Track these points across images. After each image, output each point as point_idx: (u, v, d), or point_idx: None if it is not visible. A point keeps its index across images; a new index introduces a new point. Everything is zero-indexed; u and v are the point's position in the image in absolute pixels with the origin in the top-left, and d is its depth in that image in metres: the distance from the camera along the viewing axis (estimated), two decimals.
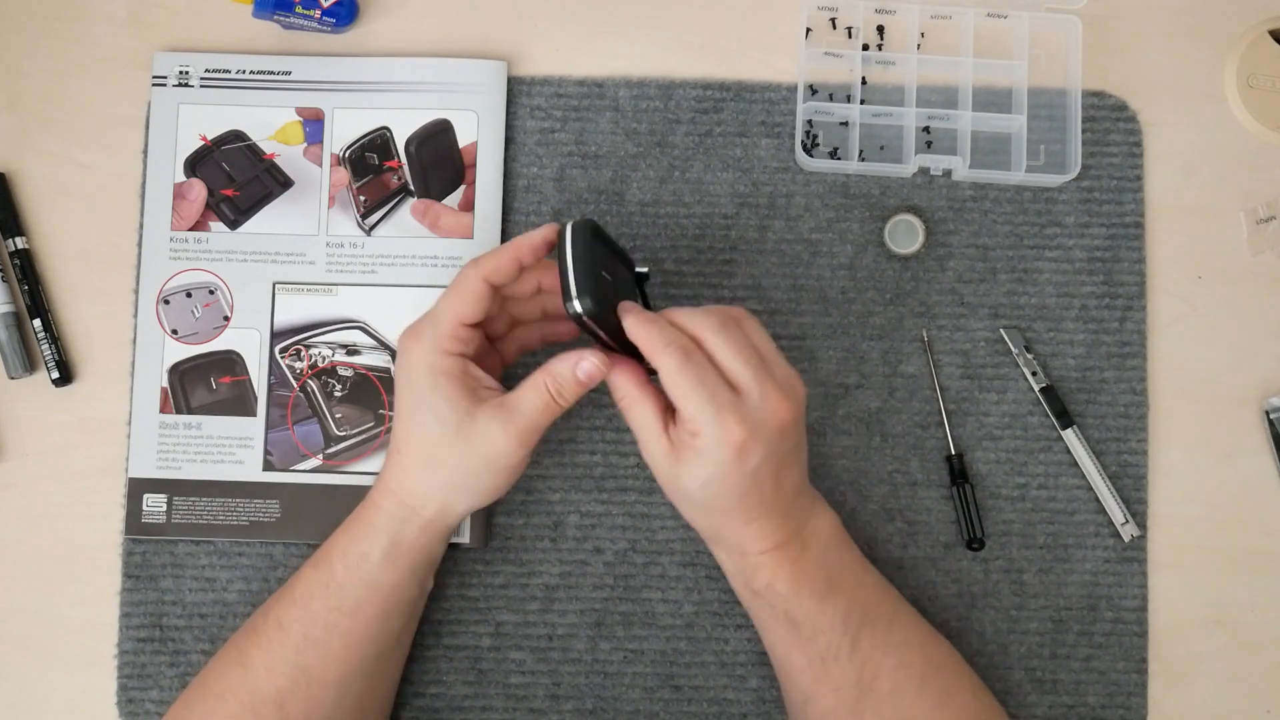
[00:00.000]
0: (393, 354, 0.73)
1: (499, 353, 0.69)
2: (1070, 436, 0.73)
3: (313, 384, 0.73)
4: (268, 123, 0.75)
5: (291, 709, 0.63)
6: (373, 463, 0.73)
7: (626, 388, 0.62)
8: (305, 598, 0.64)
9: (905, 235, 0.74)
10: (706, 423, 0.59)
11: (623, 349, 0.63)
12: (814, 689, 0.64)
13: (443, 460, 0.63)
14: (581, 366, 0.62)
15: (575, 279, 0.59)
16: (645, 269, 0.67)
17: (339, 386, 0.73)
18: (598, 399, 0.73)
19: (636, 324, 0.60)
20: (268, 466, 0.73)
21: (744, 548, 0.64)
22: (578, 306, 0.59)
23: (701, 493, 0.61)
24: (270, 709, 0.63)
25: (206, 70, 0.75)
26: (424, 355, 0.63)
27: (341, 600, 0.64)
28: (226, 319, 0.74)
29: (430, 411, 0.62)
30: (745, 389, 0.60)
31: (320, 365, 0.73)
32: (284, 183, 0.75)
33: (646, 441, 0.62)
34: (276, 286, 0.74)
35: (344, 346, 0.74)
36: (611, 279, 0.62)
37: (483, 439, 0.62)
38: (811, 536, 0.65)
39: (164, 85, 0.75)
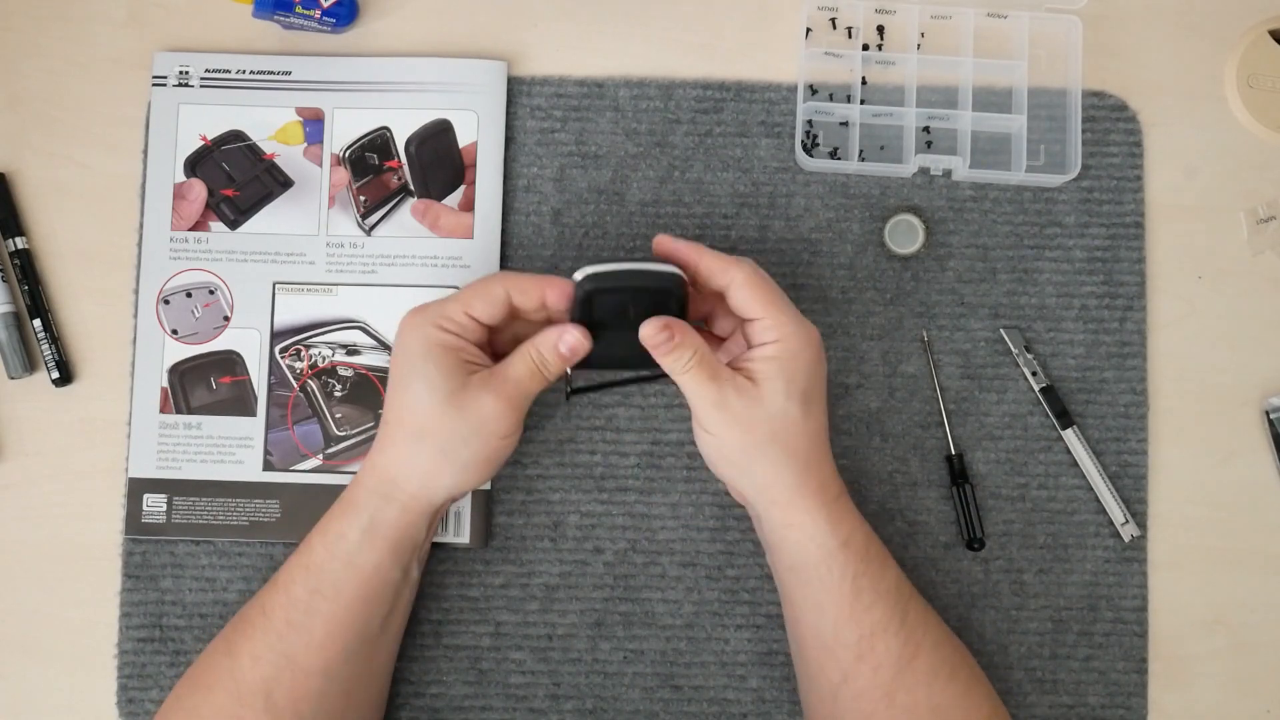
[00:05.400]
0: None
1: (493, 345, 0.69)
2: (1070, 436, 0.73)
3: (313, 384, 0.73)
4: (268, 123, 0.75)
5: (278, 697, 0.63)
6: None
7: (690, 341, 0.63)
8: (287, 583, 0.64)
9: (905, 235, 0.74)
10: (788, 320, 0.63)
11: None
12: (855, 667, 0.63)
13: (432, 428, 0.63)
14: (564, 340, 0.64)
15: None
16: (675, 272, 0.65)
17: (339, 386, 0.73)
18: (597, 399, 0.73)
19: (696, 253, 0.64)
20: (268, 466, 0.73)
21: (825, 487, 0.64)
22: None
23: (787, 405, 0.62)
24: (257, 698, 0.63)
25: (206, 70, 0.75)
26: (421, 328, 0.64)
27: (321, 583, 0.64)
28: (226, 319, 0.74)
29: (422, 380, 0.63)
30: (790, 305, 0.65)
31: (320, 365, 0.73)
32: (284, 183, 0.75)
33: (717, 385, 0.62)
34: (276, 286, 0.74)
35: (344, 346, 0.74)
36: (629, 313, 0.64)
37: (474, 404, 0.63)
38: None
39: (164, 85, 0.75)
